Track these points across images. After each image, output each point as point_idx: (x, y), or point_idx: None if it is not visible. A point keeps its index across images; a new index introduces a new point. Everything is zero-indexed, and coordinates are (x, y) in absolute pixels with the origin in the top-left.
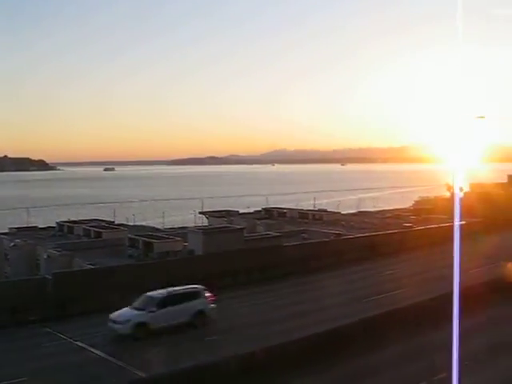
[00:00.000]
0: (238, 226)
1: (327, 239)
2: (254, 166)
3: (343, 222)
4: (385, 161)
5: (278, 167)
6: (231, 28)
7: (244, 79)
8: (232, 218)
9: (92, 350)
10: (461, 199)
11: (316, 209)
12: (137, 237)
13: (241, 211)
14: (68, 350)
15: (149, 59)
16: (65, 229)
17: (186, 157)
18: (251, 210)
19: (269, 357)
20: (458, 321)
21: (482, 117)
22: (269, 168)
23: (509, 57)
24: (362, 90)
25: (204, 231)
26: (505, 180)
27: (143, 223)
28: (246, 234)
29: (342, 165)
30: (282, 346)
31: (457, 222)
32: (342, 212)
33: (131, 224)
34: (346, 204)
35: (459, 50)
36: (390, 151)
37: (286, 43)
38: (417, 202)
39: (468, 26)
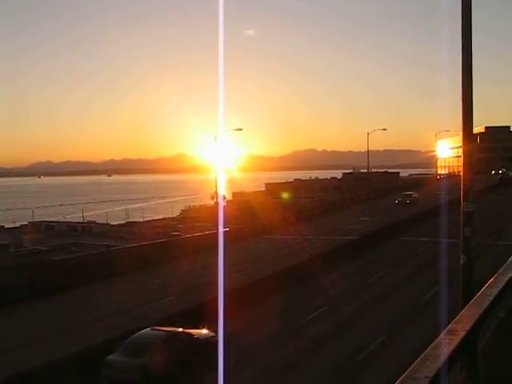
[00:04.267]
0: (3, 242)
1: (96, 251)
2: (19, 178)
3: (113, 234)
4: (154, 171)
5: (44, 179)
6: None
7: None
8: None
9: None
10: (224, 207)
11: (85, 221)
12: None
13: (6, 226)
14: None
15: None
16: None
17: None
18: (17, 225)
19: None
20: (223, 322)
21: (240, 129)
22: (35, 180)
23: (270, 73)
24: (133, 100)
25: None
26: (263, 188)
27: None
28: (12, 250)
29: (109, 176)
30: None
31: (221, 229)
32: (112, 223)
33: None
34: (114, 215)
35: (221, 65)
36: (161, 161)
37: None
38: (184, 211)
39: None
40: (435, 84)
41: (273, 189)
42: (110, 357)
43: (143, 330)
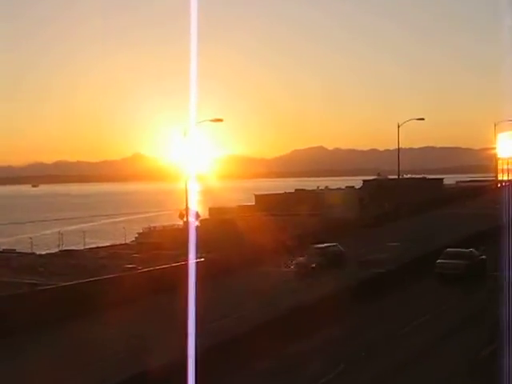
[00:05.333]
0: None
1: (13, 293)
2: None
3: (41, 268)
4: (99, 179)
5: None
6: None
7: None
8: None
9: None
10: (197, 229)
11: (0, 249)
12: None
13: None
14: None
15: None
16: None
17: None
18: None
19: None
20: None
21: (219, 119)
22: None
23: (261, 49)
24: (74, 82)
25: None
26: (252, 201)
27: None
28: None
29: (34, 186)
30: None
31: (192, 260)
32: (39, 252)
33: None
34: (43, 241)
35: (194, 39)
36: (109, 165)
37: None
38: (141, 235)
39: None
40: (493, 58)
41: (266, 202)
42: (440, 261)
43: (448, 249)
